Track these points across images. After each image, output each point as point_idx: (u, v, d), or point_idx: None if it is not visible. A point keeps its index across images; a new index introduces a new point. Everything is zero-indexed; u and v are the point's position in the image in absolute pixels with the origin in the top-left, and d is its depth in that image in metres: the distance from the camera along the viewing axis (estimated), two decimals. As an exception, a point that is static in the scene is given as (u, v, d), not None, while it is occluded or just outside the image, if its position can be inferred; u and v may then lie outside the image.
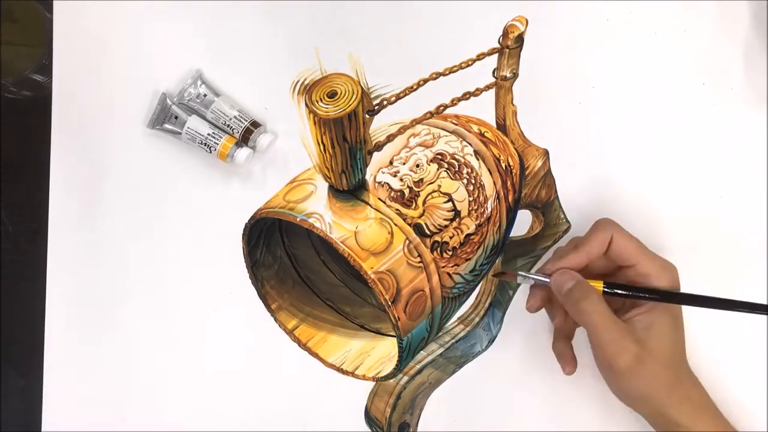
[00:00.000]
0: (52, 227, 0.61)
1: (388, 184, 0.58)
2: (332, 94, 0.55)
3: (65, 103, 0.62)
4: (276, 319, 0.61)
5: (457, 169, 0.58)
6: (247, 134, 0.59)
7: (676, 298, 0.51)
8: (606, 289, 0.51)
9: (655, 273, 0.51)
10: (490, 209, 0.58)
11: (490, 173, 0.59)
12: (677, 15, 0.60)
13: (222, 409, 0.61)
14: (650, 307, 0.52)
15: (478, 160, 0.58)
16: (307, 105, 0.55)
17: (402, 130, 0.59)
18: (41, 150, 0.62)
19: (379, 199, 0.57)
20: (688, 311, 0.58)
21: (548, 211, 0.60)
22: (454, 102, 0.60)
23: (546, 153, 0.60)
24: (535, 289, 0.55)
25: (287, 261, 0.64)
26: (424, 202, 0.57)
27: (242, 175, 0.61)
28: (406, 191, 0.57)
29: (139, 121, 0.62)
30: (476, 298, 0.60)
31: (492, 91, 0.60)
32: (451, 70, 0.60)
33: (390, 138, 0.59)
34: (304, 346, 0.61)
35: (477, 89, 0.60)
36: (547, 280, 0.53)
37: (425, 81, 0.60)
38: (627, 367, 0.49)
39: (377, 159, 0.58)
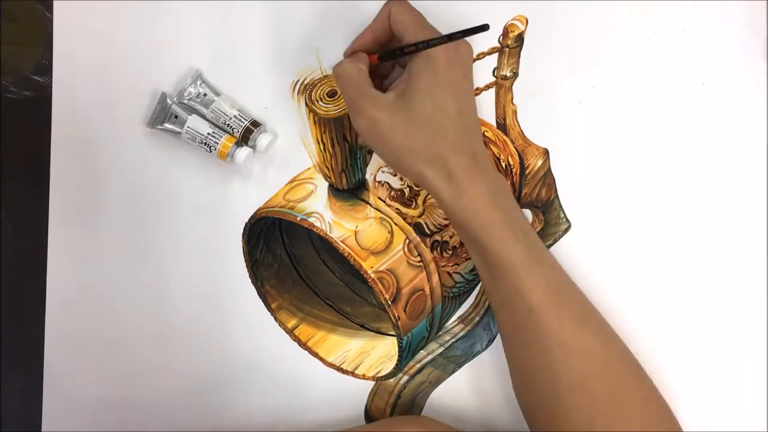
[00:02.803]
0: (52, 227, 0.61)
1: (388, 183, 0.58)
2: (332, 94, 0.55)
3: (65, 103, 0.62)
4: (276, 319, 0.61)
5: (457, 169, 0.58)
6: (247, 134, 0.59)
7: (421, 44, 0.50)
8: (380, 58, 0.53)
9: (420, 38, 0.50)
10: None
11: (490, 172, 0.59)
12: (677, 15, 0.60)
13: (222, 409, 0.61)
14: (406, 77, 0.51)
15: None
16: (307, 104, 0.55)
17: (402, 130, 0.59)
18: (41, 150, 0.62)
19: (379, 198, 0.57)
20: (682, 308, 0.58)
21: (548, 211, 0.60)
22: (454, 101, 0.60)
23: (546, 152, 0.60)
24: None
25: (287, 260, 0.64)
26: (424, 201, 0.57)
27: (242, 175, 0.61)
28: (406, 190, 0.57)
29: (139, 121, 0.62)
30: (476, 298, 0.60)
31: (492, 91, 0.60)
32: (451, 70, 0.60)
33: (390, 137, 0.59)
34: (304, 345, 0.61)
35: (477, 89, 0.60)
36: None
37: (425, 80, 0.60)
38: (380, 123, 0.50)
39: (377, 158, 0.58)
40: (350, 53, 0.54)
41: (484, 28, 0.49)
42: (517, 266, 0.50)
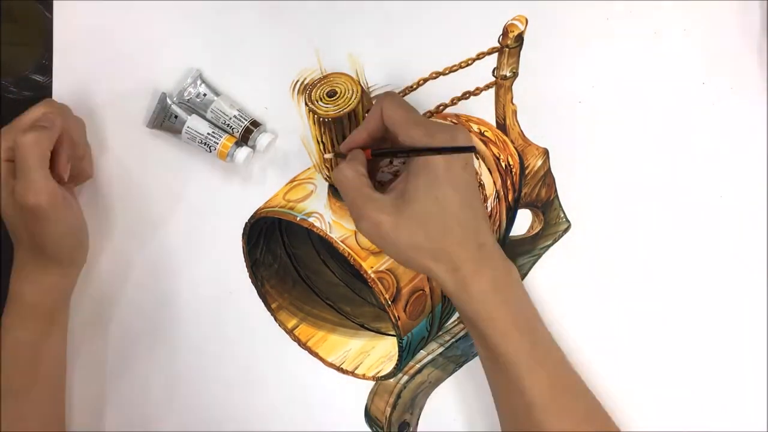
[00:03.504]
0: (52, 227, 0.61)
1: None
2: (332, 94, 0.55)
3: (65, 103, 0.61)
4: (276, 319, 0.61)
5: (457, 169, 0.58)
6: (247, 134, 0.59)
7: (412, 152, 0.50)
8: (374, 154, 0.52)
9: (419, 138, 0.50)
10: (489, 208, 0.58)
11: (490, 172, 0.59)
12: (677, 15, 0.60)
13: (221, 409, 0.61)
14: (405, 177, 0.51)
15: (477, 159, 0.58)
16: (307, 104, 0.55)
17: (402, 130, 0.59)
18: (41, 150, 0.62)
19: (379, 198, 0.57)
20: (681, 308, 0.58)
21: (548, 210, 0.60)
22: (454, 101, 0.60)
23: (546, 152, 0.60)
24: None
25: (287, 260, 0.64)
26: (424, 202, 0.57)
27: (242, 175, 0.61)
28: (406, 190, 0.57)
29: (139, 121, 0.62)
30: (476, 298, 0.60)
31: (492, 91, 0.60)
32: (451, 70, 0.60)
33: (390, 137, 0.59)
34: (304, 345, 0.61)
35: (477, 89, 0.60)
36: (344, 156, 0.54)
37: (425, 80, 0.60)
38: (383, 227, 0.49)
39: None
40: (347, 149, 0.53)
41: (471, 149, 0.49)
42: (519, 362, 0.50)
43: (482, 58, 0.60)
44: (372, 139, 0.53)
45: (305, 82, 0.61)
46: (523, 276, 0.60)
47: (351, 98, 0.55)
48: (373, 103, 0.53)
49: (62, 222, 0.54)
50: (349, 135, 0.54)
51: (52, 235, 0.54)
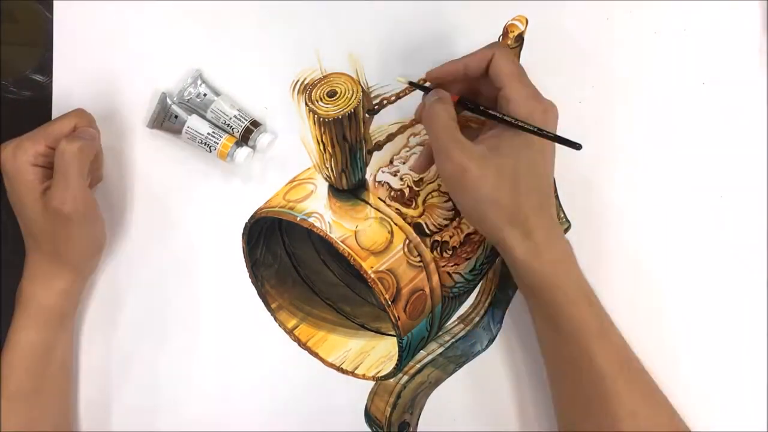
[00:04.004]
0: (52, 227, 0.62)
1: (388, 183, 0.58)
2: (332, 94, 0.55)
3: (65, 103, 0.62)
4: (276, 319, 0.61)
5: (457, 169, 0.58)
6: (247, 133, 0.59)
7: (509, 122, 0.50)
8: (461, 103, 0.52)
9: (517, 100, 0.50)
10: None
11: (490, 172, 0.59)
12: (677, 15, 0.60)
13: (221, 409, 0.61)
14: (498, 132, 0.51)
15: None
16: (307, 104, 0.55)
17: (402, 130, 0.59)
18: (41, 150, 0.62)
19: (379, 198, 0.57)
20: (682, 308, 0.58)
21: (548, 211, 0.60)
22: (454, 101, 0.60)
23: (546, 152, 0.60)
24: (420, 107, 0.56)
25: (287, 260, 0.64)
26: (424, 202, 0.57)
27: (242, 175, 0.61)
28: (406, 190, 0.57)
29: (139, 121, 0.62)
30: (476, 298, 0.60)
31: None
32: (451, 70, 0.60)
33: (390, 137, 0.59)
34: (304, 345, 0.61)
35: (477, 89, 0.60)
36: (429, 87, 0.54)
37: (425, 80, 0.60)
38: (469, 174, 0.49)
39: (377, 158, 0.58)
40: (435, 78, 0.53)
41: (576, 146, 0.49)
42: (591, 332, 0.50)
43: (482, 58, 0.60)
44: (465, 77, 0.53)
45: (305, 82, 0.61)
46: (523, 276, 0.60)
47: (351, 98, 0.55)
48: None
49: (90, 231, 0.56)
50: (444, 64, 0.53)
51: (78, 242, 0.55)
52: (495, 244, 0.52)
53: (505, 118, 0.50)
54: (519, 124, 0.50)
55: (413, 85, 0.55)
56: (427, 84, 0.54)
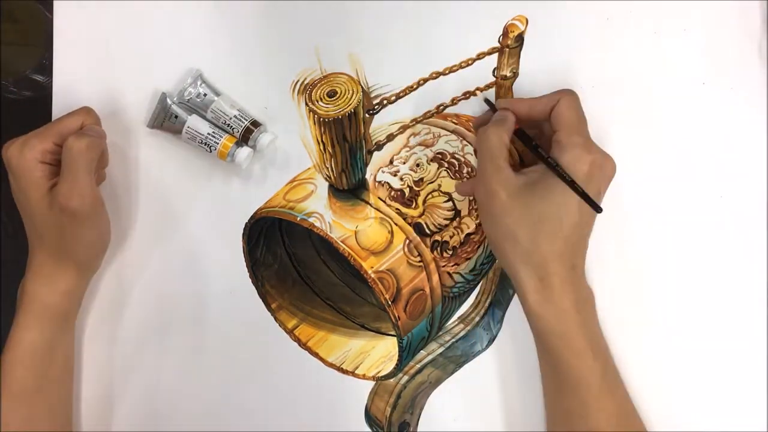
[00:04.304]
0: (52, 227, 0.61)
1: (388, 183, 0.58)
2: (332, 94, 0.55)
3: (65, 103, 0.61)
4: (276, 319, 0.61)
5: (457, 169, 0.58)
6: (247, 133, 0.59)
7: (553, 168, 0.50)
8: (518, 134, 0.53)
9: (566, 145, 0.50)
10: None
11: (490, 172, 0.59)
12: (677, 15, 0.60)
13: (221, 409, 0.61)
14: (542, 170, 0.51)
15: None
16: (307, 104, 0.55)
17: (402, 130, 0.59)
18: (41, 150, 0.62)
19: (380, 198, 0.57)
20: (682, 308, 0.58)
21: (548, 211, 0.60)
22: (454, 101, 0.60)
23: (546, 152, 0.60)
24: (481, 116, 0.58)
25: (287, 260, 0.64)
26: (424, 202, 0.57)
27: (242, 175, 0.61)
28: (407, 190, 0.57)
29: (139, 121, 0.62)
30: (476, 298, 0.60)
31: (492, 91, 0.60)
32: (451, 70, 0.60)
33: (390, 137, 0.59)
34: (304, 345, 0.61)
35: (477, 88, 0.60)
36: (494, 109, 0.55)
37: (425, 80, 0.60)
38: (497, 200, 0.50)
39: (377, 158, 0.58)
40: (503, 107, 0.54)
41: (597, 208, 0.50)
42: (591, 386, 0.50)
43: (482, 58, 0.60)
44: (528, 116, 0.53)
45: (305, 82, 0.61)
46: (523, 276, 0.60)
47: (351, 98, 0.55)
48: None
49: (97, 228, 0.56)
50: (513, 99, 0.55)
51: (84, 240, 0.55)
52: (511, 278, 0.52)
53: (543, 155, 0.51)
54: (552, 165, 0.50)
55: (488, 103, 0.56)
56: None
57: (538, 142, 0.52)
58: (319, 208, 0.57)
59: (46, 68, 0.62)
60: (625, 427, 0.51)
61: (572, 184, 0.49)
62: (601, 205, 0.51)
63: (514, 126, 0.53)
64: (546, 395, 0.55)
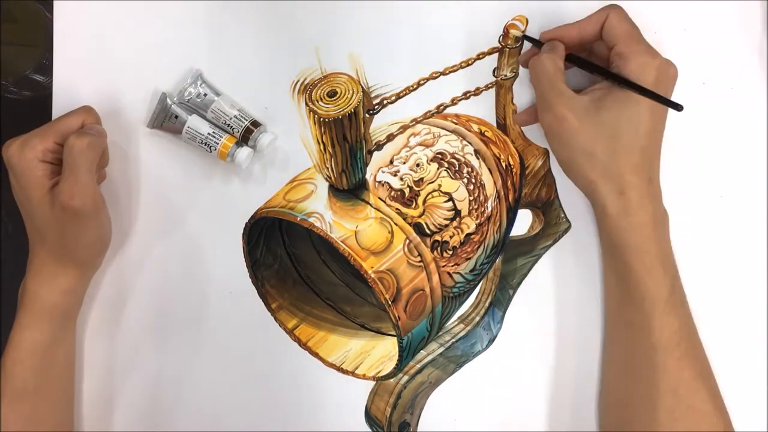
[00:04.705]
0: (52, 227, 0.61)
1: (388, 183, 0.58)
2: (332, 94, 0.55)
3: (65, 103, 0.61)
4: (276, 319, 0.61)
5: (457, 169, 0.58)
6: (248, 134, 0.59)
7: (620, 80, 0.50)
8: (571, 59, 0.53)
9: (628, 55, 0.50)
10: (490, 208, 0.58)
11: (491, 172, 0.59)
12: (677, 15, 0.60)
13: (221, 409, 0.61)
14: (606, 86, 0.51)
15: (478, 159, 0.58)
16: (307, 104, 0.55)
17: (402, 130, 0.59)
18: (41, 150, 0.62)
19: (380, 198, 0.57)
20: (692, 309, 0.58)
21: (548, 211, 0.60)
22: (454, 101, 0.60)
23: (546, 152, 0.60)
24: (527, 52, 0.58)
25: (287, 260, 0.64)
26: (424, 202, 0.57)
27: (242, 175, 0.61)
28: (407, 190, 0.57)
29: (139, 121, 0.62)
30: (476, 298, 0.60)
31: (492, 91, 0.60)
32: (451, 70, 0.60)
33: (390, 137, 0.59)
34: (304, 345, 0.61)
35: (477, 88, 0.60)
36: (538, 45, 0.55)
37: (425, 80, 0.60)
38: (567, 123, 0.50)
39: (377, 158, 0.58)
40: (548, 38, 0.54)
41: (678, 107, 0.50)
42: (657, 301, 0.50)
43: (482, 58, 0.60)
44: (580, 38, 0.53)
45: (305, 82, 0.61)
46: (523, 276, 0.60)
47: (351, 98, 0.55)
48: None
49: (98, 227, 0.56)
50: (558, 27, 0.54)
51: (85, 239, 0.55)
52: (588, 196, 0.52)
53: (609, 72, 0.50)
54: (621, 78, 0.49)
55: (528, 39, 0.56)
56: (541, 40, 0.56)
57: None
58: (319, 208, 0.57)
59: (46, 68, 0.62)
60: (685, 345, 0.51)
61: (643, 90, 0.49)
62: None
63: (565, 52, 0.53)
64: (608, 308, 0.54)
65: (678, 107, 0.49)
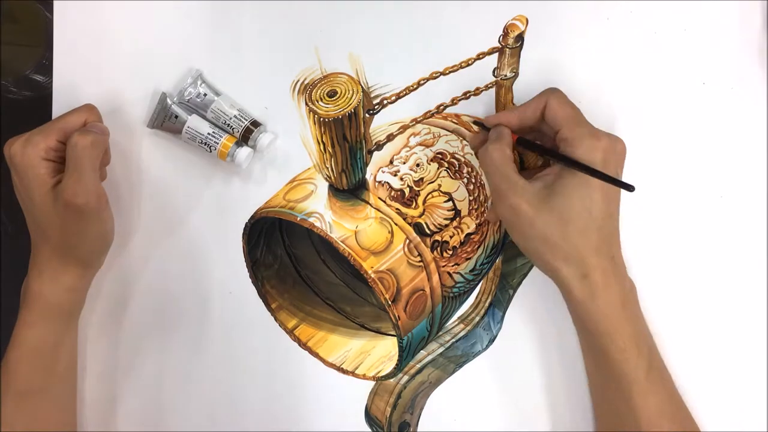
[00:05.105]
0: (52, 227, 0.61)
1: (388, 183, 0.58)
2: (332, 94, 0.55)
3: (65, 103, 0.61)
4: (276, 319, 0.61)
5: (457, 169, 0.58)
6: (248, 133, 0.59)
7: (570, 162, 0.50)
8: (520, 143, 0.53)
9: (573, 139, 0.50)
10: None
11: (491, 172, 0.59)
12: (677, 15, 0.60)
13: (222, 409, 0.61)
14: (556, 170, 0.51)
15: (478, 159, 0.58)
16: (307, 104, 0.55)
17: (402, 130, 0.59)
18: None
19: (380, 198, 0.57)
20: (682, 308, 0.58)
21: (548, 211, 0.60)
22: (455, 101, 0.60)
23: (546, 152, 0.60)
24: (476, 136, 0.57)
25: (287, 260, 0.64)
26: (424, 202, 0.57)
27: (242, 175, 0.61)
28: (407, 190, 0.57)
29: (139, 121, 0.62)
30: (476, 298, 0.60)
31: (492, 91, 0.60)
32: (451, 70, 0.60)
33: (390, 137, 0.59)
34: (304, 345, 0.61)
35: (477, 88, 0.60)
36: (486, 129, 0.55)
37: (425, 80, 0.60)
38: (521, 213, 0.50)
39: (377, 158, 0.58)
40: (493, 125, 0.54)
41: (629, 188, 0.49)
42: (635, 382, 0.50)
43: (482, 58, 0.60)
44: (520, 125, 0.53)
45: (305, 82, 0.61)
46: (523, 276, 0.60)
47: (351, 98, 0.55)
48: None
49: (101, 225, 0.56)
50: (498, 113, 0.54)
51: (89, 236, 0.55)
52: (554, 281, 0.52)
53: (558, 154, 0.50)
54: (570, 160, 0.49)
55: (478, 125, 0.56)
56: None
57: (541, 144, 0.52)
58: (319, 208, 0.57)
59: (46, 68, 0.62)
60: (671, 420, 0.51)
61: (594, 172, 0.49)
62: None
63: (512, 137, 0.53)
64: (592, 393, 0.55)
65: (629, 188, 0.49)
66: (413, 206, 0.57)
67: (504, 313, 0.60)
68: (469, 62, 0.60)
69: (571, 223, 0.49)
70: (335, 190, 0.58)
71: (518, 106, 0.54)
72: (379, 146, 0.59)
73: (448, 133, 0.59)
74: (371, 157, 0.58)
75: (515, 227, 0.51)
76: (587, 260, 0.49)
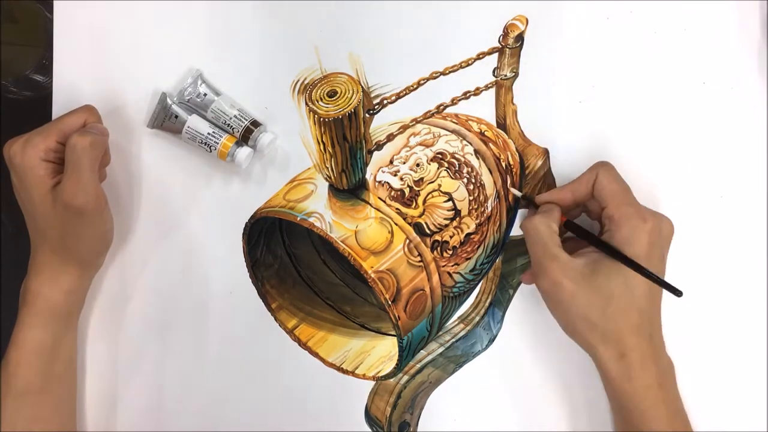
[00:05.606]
0: (52, 227, 0.61)
1: (388, 183, 0.58)
2: (332, 94, 0.55)
3: (65, 103, 0.61)
4: (276, 319, 0.61)
5: (457, 169, 0.58)
6: (248, 133, 0.59)
7: (614, 252, 0.50)
8: (567, 226, 0.53)
9: (619, 219, 0.50)
10: (490, 208, 0.58)
11: (491, 172, 0.59)
12: (677, 14, 0.60)
13: (221, 409, 0.61)
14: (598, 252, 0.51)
15: (478, 159, 0.58)
16: (307, 104, 0.55)
17: (402, 129, 0.59)
18: (41, 150, 0.62)
19: (380, 198, 0.57)
20: (682, 308, 0.58)
21: (548, 211, 0.60)
22: (455, 101, 0.60)
23: (546, 152, 0.60)
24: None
25: (287, 260, 0.64)
26: (424, 202, 0.57)
27: (242, 175, 0.61)
28: (407, 190, 0.57)
29: (139, 121, 0.62)
30: (476, 298, 0.60)
31: (492, 91, 0.60)
32: (451, 70, 0.60)
33: (390, 137, 0.59)
34: (304, 345, 0.61)
35: (477, 88, 0.60)
36: (535, 206, 0.56)
37: (425, 80, 0.60)
38: (563, 290, 0.50)
39: (377, 158, 0.58)
40: (544, 201, 0.54)
41: (677, 293, 0.50)
42: None
43: (482, 58, 0.60)
44: (575, 201, 0.54)
45: (305, 82, 0.61)
46: (524, 276, 0.60)
47: (351, 98, 0.55)
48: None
49: (100, 225, 0.56)
50: (552, 191, 0.55)
51: (87, 237, 0.55)
52: (591, 357, 0.52)
53: (603, 242, 0.51)
54: (614, 250, 0.50)
55: (525, 200, 0.57)
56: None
57: (588, 226, 0.53)
58: (319, 208, 0.57)
59: (46, 68, 0.62)
60: None
61: (640, 269, 0.49)
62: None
63: (561, 218, 0.53)
64: None
65: (677, 293, 0.49)
66: (413, 206, 0.57)
67: (504, 313, 0.60)
68: (469, 62, 0.60)
69: (613, 303, 0.49)
70: (335, 190, 0.58)
71: (569, 182, 0.54)
72: (379, 146, 0.59)
73: (448, 133, 0.59)
74: (371, 157, 0.58)
75: (555, 302, 0.51)
76: (625, 340, 0.49)
